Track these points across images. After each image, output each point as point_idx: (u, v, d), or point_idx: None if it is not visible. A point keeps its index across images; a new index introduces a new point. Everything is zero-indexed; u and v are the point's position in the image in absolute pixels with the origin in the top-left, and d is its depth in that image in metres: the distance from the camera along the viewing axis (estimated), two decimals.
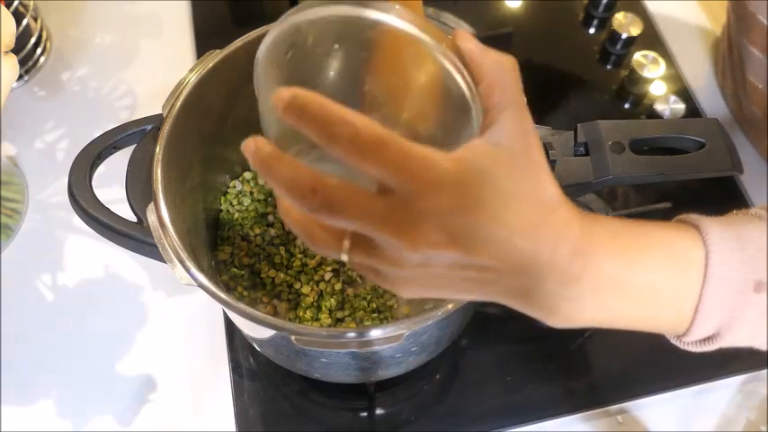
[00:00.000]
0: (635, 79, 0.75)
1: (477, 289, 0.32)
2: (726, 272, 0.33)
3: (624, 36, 0.77)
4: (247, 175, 0.63)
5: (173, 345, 0.61)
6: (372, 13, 0.31)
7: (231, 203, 0.62)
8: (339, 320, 0.57)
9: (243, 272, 0.59)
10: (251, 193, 0.62)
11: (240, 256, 0.60)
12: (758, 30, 0.65)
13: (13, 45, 0.45)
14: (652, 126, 0.52)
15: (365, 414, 0.59)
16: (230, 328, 0.61)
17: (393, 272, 0.31)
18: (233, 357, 0.60)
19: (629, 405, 0.59)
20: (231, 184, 0.63)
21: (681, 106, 0.72)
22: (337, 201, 0.28)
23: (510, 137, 0.30)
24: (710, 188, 0.69)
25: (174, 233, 0.45)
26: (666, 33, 0.80)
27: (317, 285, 0.58)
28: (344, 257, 0.31)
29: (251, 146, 0.30)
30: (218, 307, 0.60)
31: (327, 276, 0.59)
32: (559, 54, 0.78)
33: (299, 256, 0.60)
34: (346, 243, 0.31)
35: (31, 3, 0.74)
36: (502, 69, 0.32)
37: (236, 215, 0.62)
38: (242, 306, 0.43)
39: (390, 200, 0.28)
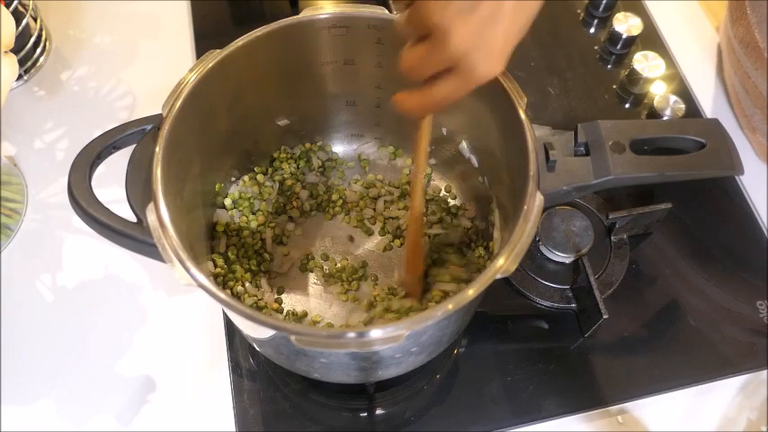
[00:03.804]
0: (635, 79, 0.75)
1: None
2: None
3: (624, 36, 0.77)
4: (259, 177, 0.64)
5: (173, 344, 0.61)
6: None
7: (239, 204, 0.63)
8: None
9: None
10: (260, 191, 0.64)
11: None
12: (751, 30, 0.65)
13: (12, 45, 0.45)
14: (652, 126, 0.52)
15: (365, 414, 0.59)
16: (230, 328, 0.61)
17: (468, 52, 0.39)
18: (233, 357, 0.60)
19: (629, 405, 0.59)
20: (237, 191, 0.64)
21: (681, 106, 0.72)
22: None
23: None
24: (710, 188, 0.69)
25: (173, 233, 0.45)
26: (666, 33, 0.80)
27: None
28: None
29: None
30: (218, 307, 0.60)
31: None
32: (559, 54, 0.78)
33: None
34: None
35: (31, 2, 0.74)
36: None
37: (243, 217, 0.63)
38: (242, 306, 0.43)
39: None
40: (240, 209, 0.62)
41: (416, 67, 0.41)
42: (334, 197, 0.65)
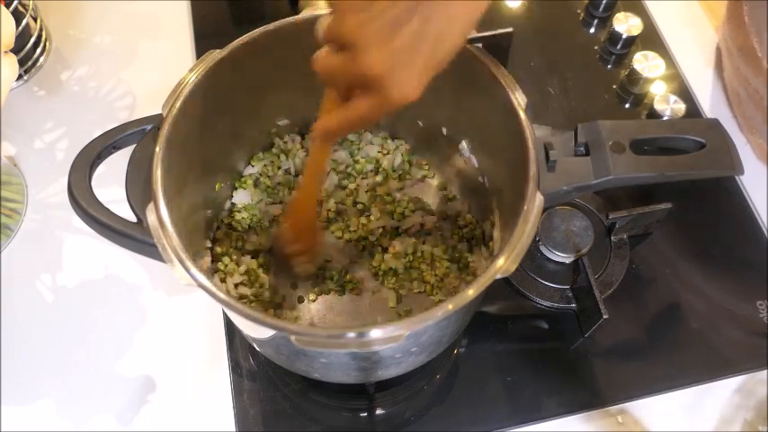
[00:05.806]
0: (635, 79, 0.75)
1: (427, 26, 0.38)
2: None
3: (624, 36, 0.77)
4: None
5: (173, 344, 0.61)
6: None
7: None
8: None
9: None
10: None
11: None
12: (749, 38, 0.65)
13: (12, 45, 0.45)
14: (652, 126, 0.52)
15: (365, 414, 0.59)
16: (230, 328, 0.61)
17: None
18: (233, 357, 0.60)
19: (629, 405, 0.59)
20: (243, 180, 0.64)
21: (681, 106, 0.72)
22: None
23: None
24: (710, 188, 0.69)
25: (173, 233, 0.45)
26: (666, 33, 0.80)
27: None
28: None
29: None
30: (218, 307, 0.60)
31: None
32: (559, 54, 0.78)
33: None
34: None
35: (31, 2, 0.74)
36: None
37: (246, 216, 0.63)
38: (242, 306, 0.43)
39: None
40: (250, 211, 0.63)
41: (332, 75, 0.41)
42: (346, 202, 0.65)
